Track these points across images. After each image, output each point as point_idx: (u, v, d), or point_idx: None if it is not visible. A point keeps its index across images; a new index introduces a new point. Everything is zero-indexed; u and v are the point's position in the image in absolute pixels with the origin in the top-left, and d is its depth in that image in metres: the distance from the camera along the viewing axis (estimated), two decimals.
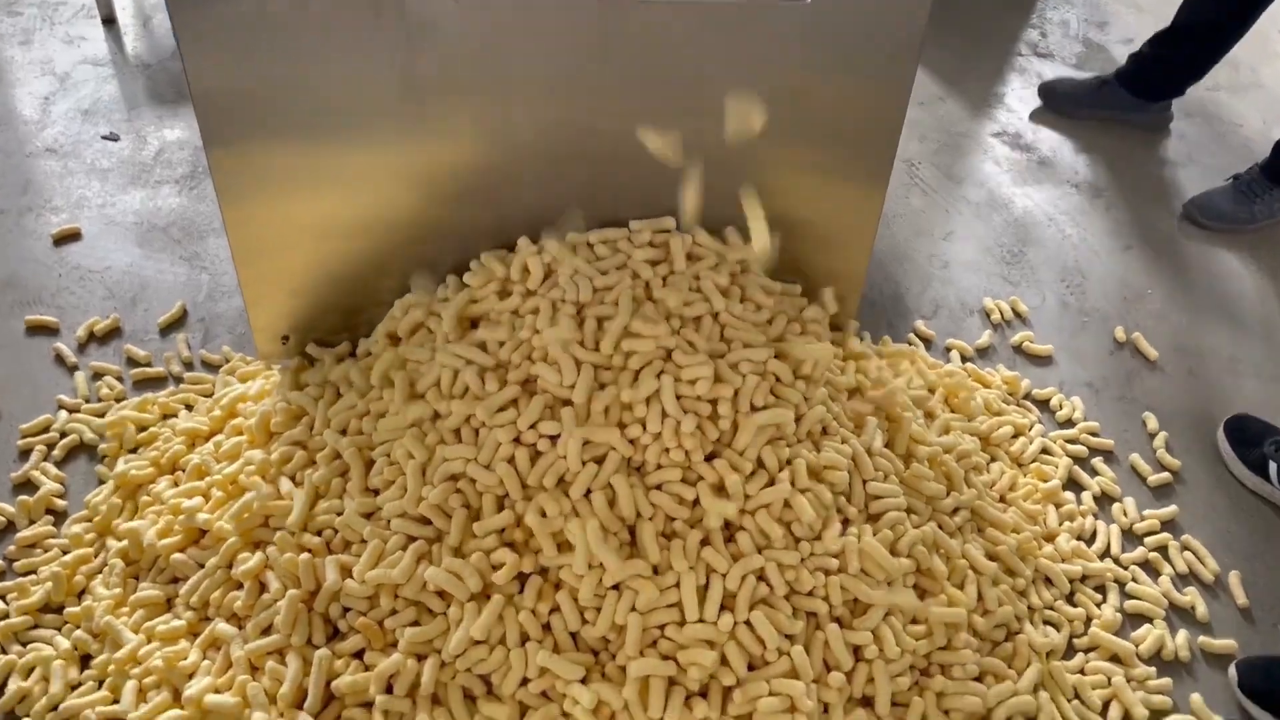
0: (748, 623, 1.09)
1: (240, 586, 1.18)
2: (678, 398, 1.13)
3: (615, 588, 1.09)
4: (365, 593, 1.12)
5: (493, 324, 1.22)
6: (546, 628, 1.10)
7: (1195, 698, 1.23)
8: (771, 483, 1.15)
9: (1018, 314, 1.77)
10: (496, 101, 1.19)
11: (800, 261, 1.36)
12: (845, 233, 1.35)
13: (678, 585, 1.09)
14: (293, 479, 1.23)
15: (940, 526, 1.27)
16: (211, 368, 1.55)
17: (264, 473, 1.24)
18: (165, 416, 1.45)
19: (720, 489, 1.13)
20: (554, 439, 1.13)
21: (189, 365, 1.55)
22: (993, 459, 1.47)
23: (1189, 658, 1.28)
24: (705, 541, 1.12)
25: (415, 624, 1.11)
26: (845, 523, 1.19)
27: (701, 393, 1.14)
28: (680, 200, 1.27)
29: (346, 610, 1.14)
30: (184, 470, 1.33)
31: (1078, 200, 2.06)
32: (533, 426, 1.13)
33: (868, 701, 1.13)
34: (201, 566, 1.21)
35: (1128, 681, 1.23)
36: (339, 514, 1.19)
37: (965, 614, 1.19)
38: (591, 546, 1.07)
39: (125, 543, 1.24)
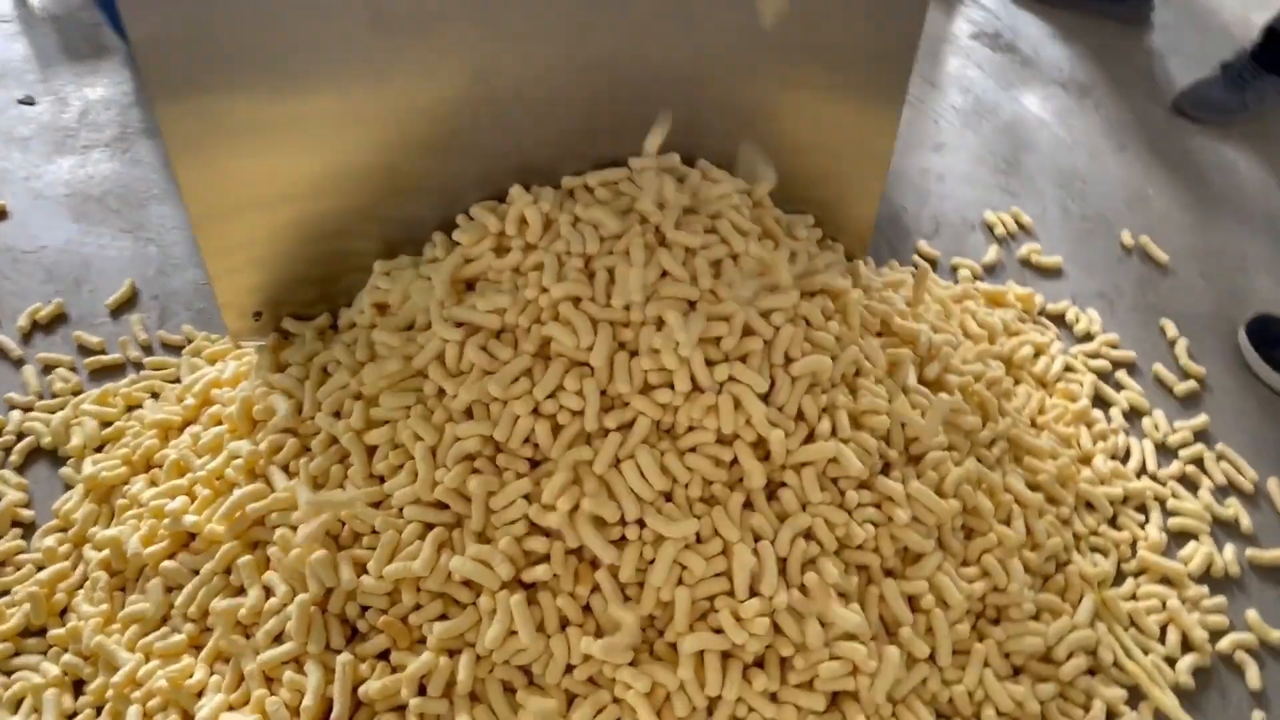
0: (801, 586, 1.02)
1: (242, 591, 1.08)
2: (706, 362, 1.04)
3: (652, 561, 1.01)
4: (384, 589, 1.02)
5: (492, 285, 1.11)
6: (586, 609, 1.02)
7: (1251, 614, 1.20)
8: (811, 434, 1.07)
9: (1021, 226, 1.69)
10: (479, 35, 1.06)
11: (813, 189, 1.26)
12: (859, 157, 1.26)
13: (724, 553, 1.01)
14: (285, 469, 1.13)
15: (979, 460, 1.20)
16: (173, 350, 1.42)
17: (253, 466, 1.13)
18: (130, 408, 1.32)
19: (758, 445, 1.05)
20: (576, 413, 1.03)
21: (148, 349, 1.41)
22: (1017, 381, 1.40)
23: (1239, 573, 1.24)
24: (748, 504, 1.04)
25: (443, 618, 1.02)
26: (887, 467, 1.12)
27: (730, 348, 1.05)
28: (681, 130, 1.16)
29: (364, 609, 1.05)
30: (161, 468, 1.21)
31: (1066, 101, 1.98)
32: (551, 395, 1.03)
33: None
34: (196, 573, 1.10)
35: (1182, 603, 1.19)
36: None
37: (1017, 552, 1.14)
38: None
39: (106, 553, 1.12)
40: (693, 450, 1.04)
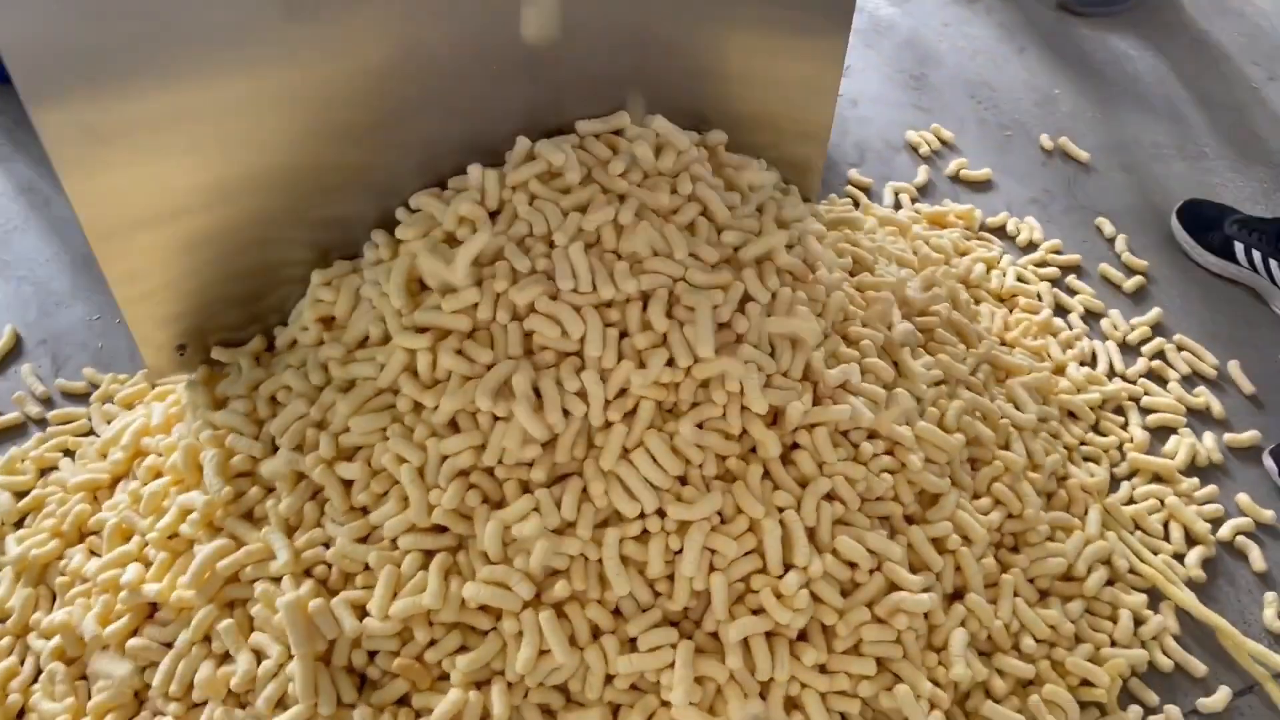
0: (833, 551, 0.98)
1: (227, 659, 0.97)
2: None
3: (679, 552, 0.95)
4: (392, 629, 0.93)
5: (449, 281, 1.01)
6: (616, 612, 0.96)
7: (1242, 498, 1.22)
8: (817, 395, 1.02)
9: (943, 142, 1.67)
10: (404, 6, 0.95)
11: (764, 132, 1.20)
12: (808, 91, 1.20)
13: (751, 530, 0.96)
14: (249, 517, 1.01)
15: (969, 389, 1.18)
16: (77, 399, 1.26)
17: (211, 518, 1.01)
18: (43, 472, 1.17)
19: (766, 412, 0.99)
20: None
21: (47, 402, 1.26)
22: (977, 301, 1.39)
23: (1221, 459, 1.26)
24: (765, 475, 0.99)
25: (462, 649, 0.94)
26: None
27: (726, 317, 0.98)
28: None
29: (372, 655, 0.96)
30: (99, 535, 1.07)
31: (958, 9, 1.96)
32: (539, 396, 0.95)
33: (957, 594, 1.05)
34: (169, 646, 0.98)
35: (1178, 499, 1.20)
36: (325, 545, 0.99)
37: (1024, 475, 1.12)
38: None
39: (58, 640, 1.00)
40: (699, 427, 0.98)
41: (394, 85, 0.99)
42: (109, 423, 1.22)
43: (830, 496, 0.99)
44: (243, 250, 1.06)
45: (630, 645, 0.94)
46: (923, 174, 1.60)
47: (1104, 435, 1.26)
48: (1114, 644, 1.07)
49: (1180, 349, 1.38)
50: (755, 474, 0.97)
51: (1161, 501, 1.20)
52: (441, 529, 0.96)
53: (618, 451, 0.95)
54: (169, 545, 1.03)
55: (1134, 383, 1.33)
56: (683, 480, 0.97)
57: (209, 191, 0.99)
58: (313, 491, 1.01)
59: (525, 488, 0.96)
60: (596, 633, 0.94)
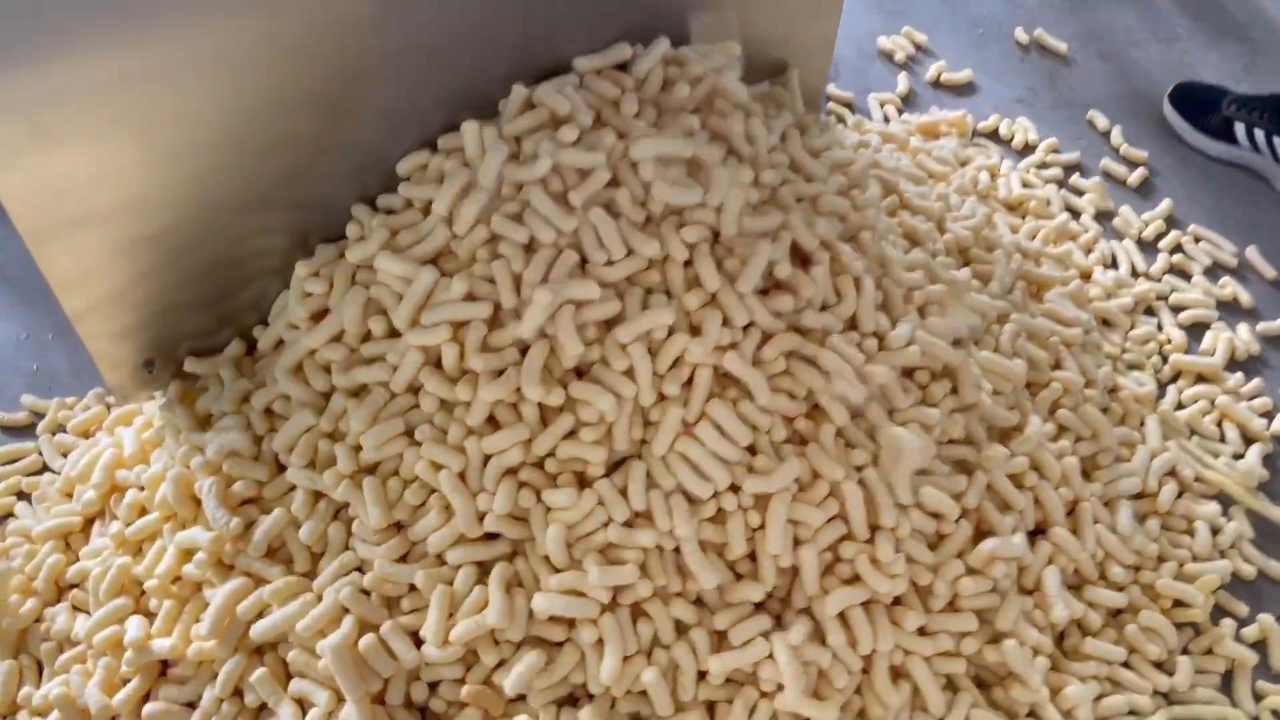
0: (918, 505, 0.90)
1: (264, 712, 0.85)
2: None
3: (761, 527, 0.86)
4: (454, 655, 0.83)
5: (455, 258, 0.89)
6: (698, 602, 0.87)
7: None
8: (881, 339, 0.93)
9: (917, 46, 1.58)
10: None
11: (765, 41, 1.08)
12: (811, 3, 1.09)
13: (831, 495, 0.87)
14: (272, 552, 0.89)
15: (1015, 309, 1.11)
16: (18, 432, 1.10)
17: (219, 555, 0.89)
18: None
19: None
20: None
21: None
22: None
23: (1259, 350, 1.22)
24: (839, 434, 0.90)
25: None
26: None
27: (785, 275, 0.89)
28: None
29: (434, 686, 0.85)
30: (83, 588, 0.94)
31: None
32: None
33: (1037, 530, 0.99)
34: (191, 707, 0.86)
35: (1226, 395, 1.16)
36: (358, 570, 0.87)
37: (1082, 394, 1.06)
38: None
39: (57, 717, 0.86)
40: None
41: (367, 38, 0.85)
42: (65, 456, 1.06)
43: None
44: (206, 242, 0.91)
45: (719, 638, 0.85)
46: (903, 82, 1.51)
47: (1144, 342, 1.21)
48: (1195, 558, 1.03)
49: (1197, 240, 1.33)
50: (828, 434, 0.88)
51: (1212, 402, 1.16)
52: (492, 536, 0.85)
53: (677, 428, 0.85)
54: (171, 592, 0.90)
55: (1158, 280, 1.28)
56: (750, 450, 0.88)
57: (161, 175, 0.84)
58: (333, 512, 0.89)
59: (581, 480, 0.86)
60: (682, 629, 0.85)
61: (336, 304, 0.90)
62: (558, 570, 0.84)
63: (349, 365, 0.89)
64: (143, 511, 0.95)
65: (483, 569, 0.85)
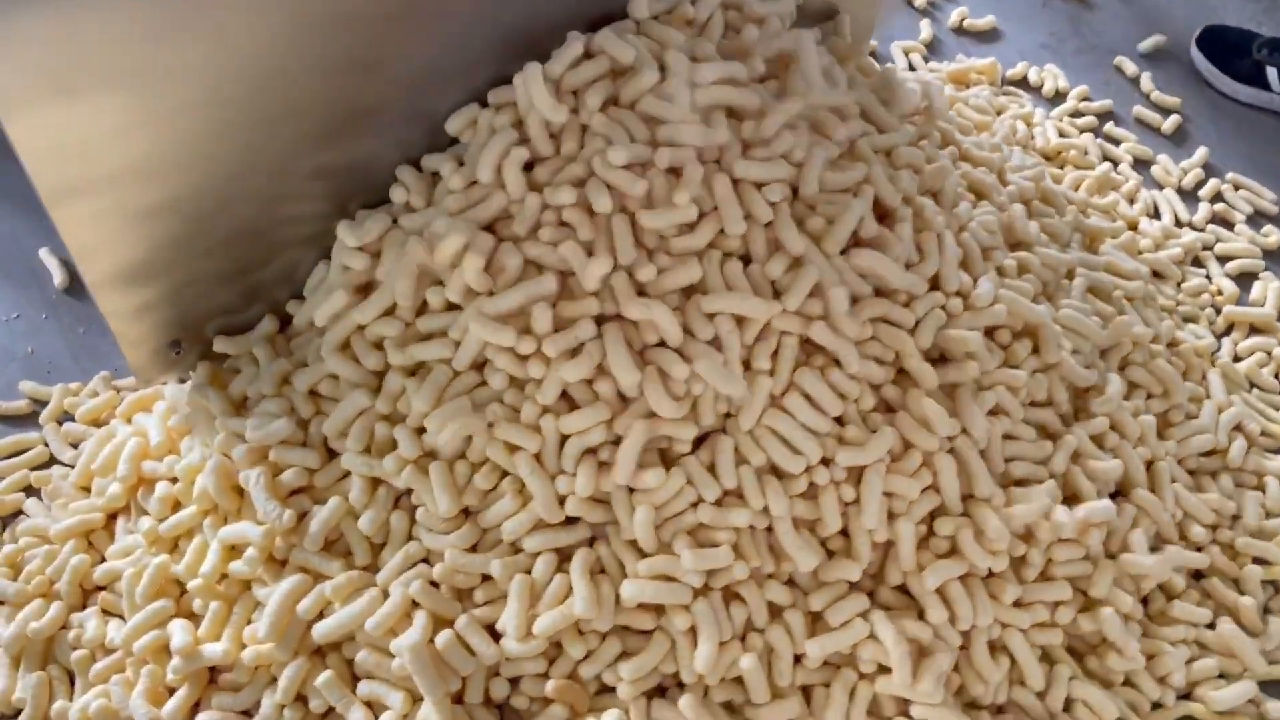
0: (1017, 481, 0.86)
1: (328, 715, 0.79)
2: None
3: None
4: (537, 649, 0.77)
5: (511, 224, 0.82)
6: (790, 583, 0.82)
7: None
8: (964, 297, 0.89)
9: None
10: None
11: None
12: None
13: (924, 465, 0.83)
14: (328, 545, 0.82)
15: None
16: (19, 422, 1.02)
17: (270, 550, 0.82)
18: (6, 522, 0.94)
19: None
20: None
21: None
22: None
23: None
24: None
25: (623, 656, 0.79)
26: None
27: (871, 233, 0.83)
28: None
29: (514, 682, 0.80)
30: (112, 591, 0.86)
31: None
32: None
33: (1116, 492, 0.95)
34: (248, 715, 0.80)
35: None
36: (424, 562, 0.81)
37: (1148, 346, 1.03)
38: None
39: None
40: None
41: None
42: (75, 446, 0.98)
43: (995, 411, 0.87)
44: (234, 207, 0.83)
45: (814, 619, 0.81)
46: (926, 29, 1.45)
47: (1197, 294, 1.18)
48: (1268, 515, 1.00)
49: (1237, 188, 1.31)
50: (917, 399, 0.84)
51: (1269, 354, 1.13)
52: (570, 521, 0.80)
53: (765, 401, 0.80)
54: (218, 591, 0.83)
55: (1202, 230, 1.25)
56: (838, 421, 0.83)
57: (186, 133, 0.76)
58: (394, 500, 0.83)
59: (666, 458, 0.80)
60: (775, 611, 0.81)
61: (388, 275, 0.82)
62: (645, 555, 0.78)
63: (404, 341, 0.82)
64: (176, 505, 0.88)
65: (561, 556, 0.79)
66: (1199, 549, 0.96)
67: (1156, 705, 0.87)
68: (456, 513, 0.80)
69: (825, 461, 0.81)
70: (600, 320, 0.79)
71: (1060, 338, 0.93)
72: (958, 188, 0.95)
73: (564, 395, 0.79)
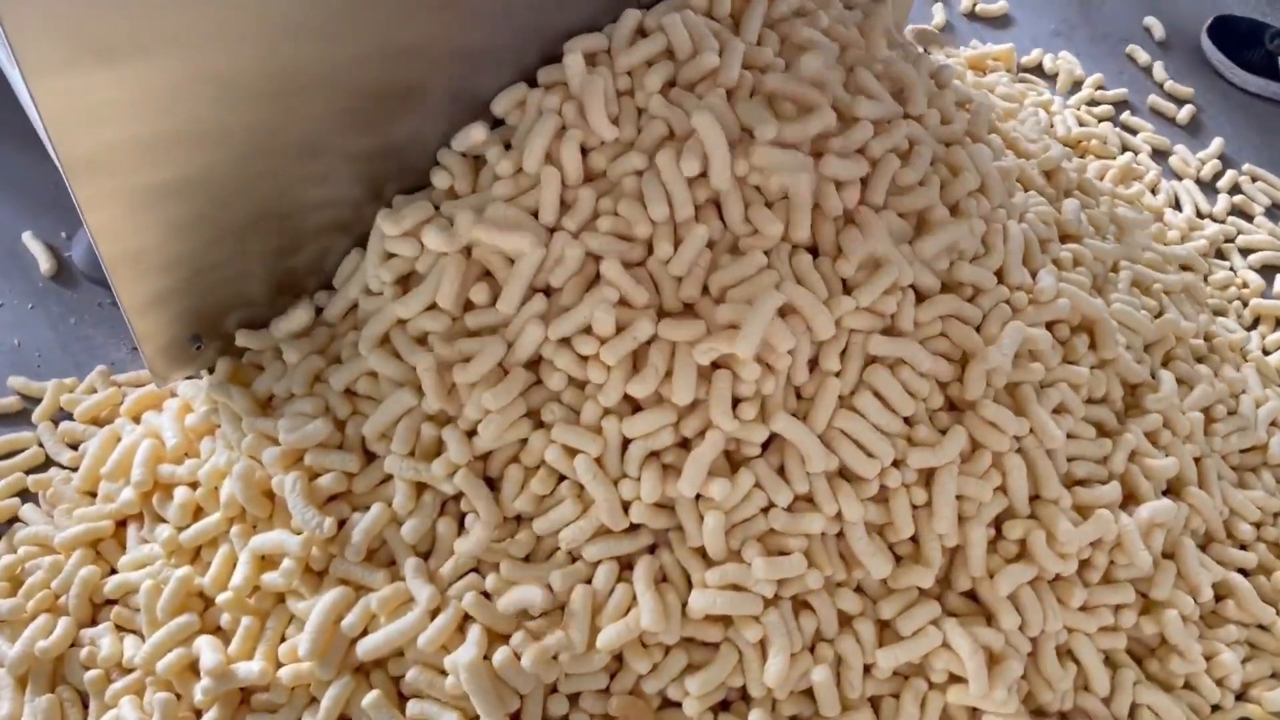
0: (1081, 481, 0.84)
1: None
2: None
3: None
4: (600, 664, 0.73)
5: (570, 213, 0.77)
6: (858, 590, 0.79)
7: None
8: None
9: None
10: None
11: None
12: None
13: (994, 466, 0.80)
14: (369, 555, 0.77)
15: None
16: (10, 420, 0.94)
17: (307, 560, 0.76)
18: (1, 531, 0.86)
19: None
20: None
21: None
22: None
23: None
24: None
25: (689, 669, 0.75)
26: None
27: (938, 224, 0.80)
28: None
29: (573, 699, 0.75)
30: (127, 606, 0.80)
31: None
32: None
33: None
34: None
35: None
36: (475, 571, 0.76)
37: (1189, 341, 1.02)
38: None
39: None
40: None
41: None
42: (74, 447, 0.91)
43: (1059, 409, 0.85)
44: (258, 188, 0.76)
45: (883, 627, 0.78)
46: (939, 13, 1.43)
47: (1224, 287, 1.17)
48: None
49: (1254, 179, 1.30)
50: (987, 399, 0.81)
51: None
52: (632, 528, 0.75)
53: (834, 402, 0.76)
54: (249, 606, 0.77)
55: (1223, 222, 1.24)
56: (905, 421, 0.80)
57: (210, 106, 0.69)
58: (439, 505, 0.77)
59: (733, 460, 0.76)
60: (845, 620, 0.77)
61: (431, 270, 0.77)
62: (713, 563, 0.74)
63: (452, 337, 0.77)
64: (197, 512, 0.81)
65: (622, 565, 0.75)
66: (1244, 546, 0.95)
67: (1215, 708, 0.86)
68: (509, 519, 0.75)
69: (896, 463, 0.77)
70: (662, 314, 0.75)
71: (1116, 332, 0.91)
72: (1010, 178, 0.93)
73: (627, 395, 0.75)
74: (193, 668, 0.75)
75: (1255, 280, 1.17)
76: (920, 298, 0.80)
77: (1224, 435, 0.99)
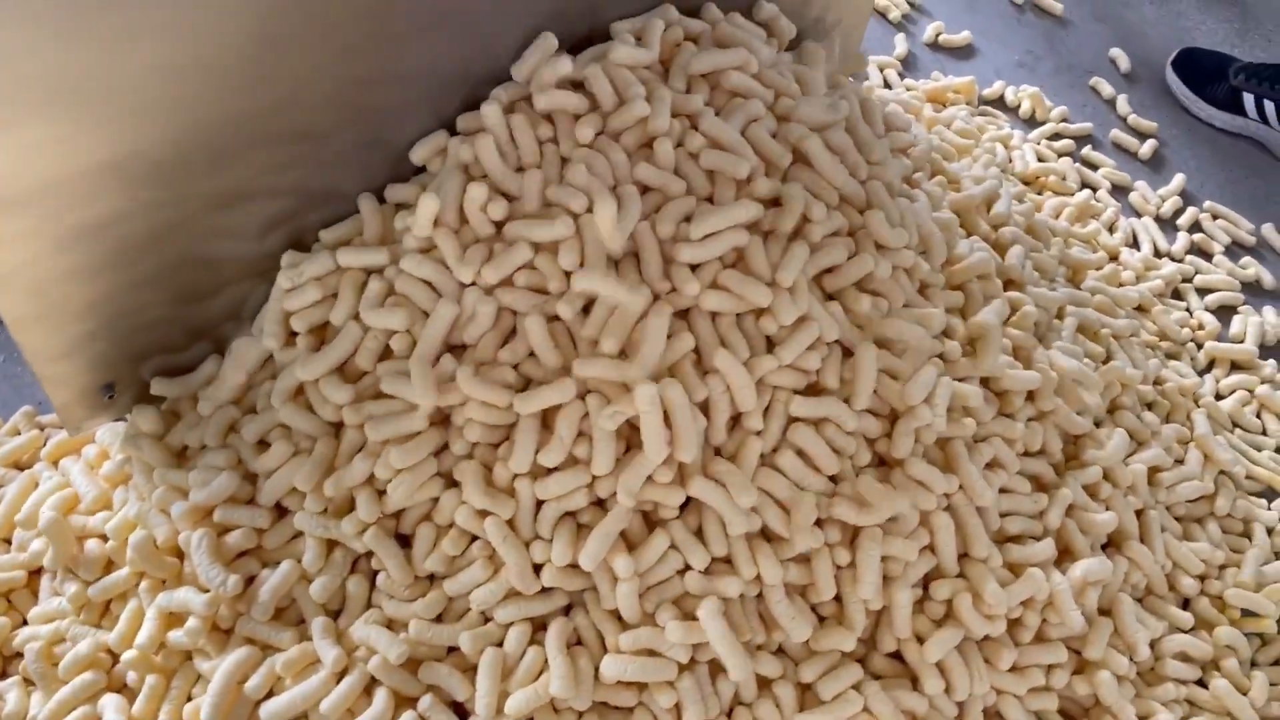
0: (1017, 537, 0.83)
1: None
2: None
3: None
4: None
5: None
6: (778, 652, 0.77)
7: None
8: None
9: (912, 4, 1.48)
10: None
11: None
12: None
13: (922, 524, 0.78)
14: (278, 612, 0.75)
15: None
16: None
17: (213, 619, 0.74)
18: None
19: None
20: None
21: None
22: None
23: None
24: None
25: None
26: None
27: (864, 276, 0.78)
28: None
29: None
30: (26, 659, 0.78)
31: None
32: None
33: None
34: None
35: (1263, 384, 1.12)
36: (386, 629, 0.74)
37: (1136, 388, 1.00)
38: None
39: None
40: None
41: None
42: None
43: (992, 465, 0.83)
44: (171, 235, 0.74)
45: (804, 691, 0.76)
46: (901, 44, 1.41)
47: (1181, 327, 1.15)
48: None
49: (1215, 217, 1.29)
50: (916, 457, 0.79)
51: (1251, 392, 1.11)
52: (545, 590, 0.74)
53: (756, 461, 0.74)
54: (155, 664, 0.75)
55: (1181, 261, 1.23)
56: (833, 478, 0.78)
57: (111, 150, 0.67)
58: (350, 563, 0.76)
59: (649, 521, 0.74)
60: (762, 684, 0.76)
61: (341, 324, 0.75)
62: (627, 625, 0.73)
63: (357, 400, 0.75)
64: (108, 566, 0.80)
65: (535, 626, 0.73)
66: (1187, 601, 0.93)
67: None
68: (419, 579, 0.73)
69: (819, 522, 0.76)
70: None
71: (1055, 384, 0.89)
72: (952, 226, 0.91)
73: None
74: None
75: (1210, 321, 1.16)
76: (846, 353, 0.79)
77: (1169, 486, 0.97)
